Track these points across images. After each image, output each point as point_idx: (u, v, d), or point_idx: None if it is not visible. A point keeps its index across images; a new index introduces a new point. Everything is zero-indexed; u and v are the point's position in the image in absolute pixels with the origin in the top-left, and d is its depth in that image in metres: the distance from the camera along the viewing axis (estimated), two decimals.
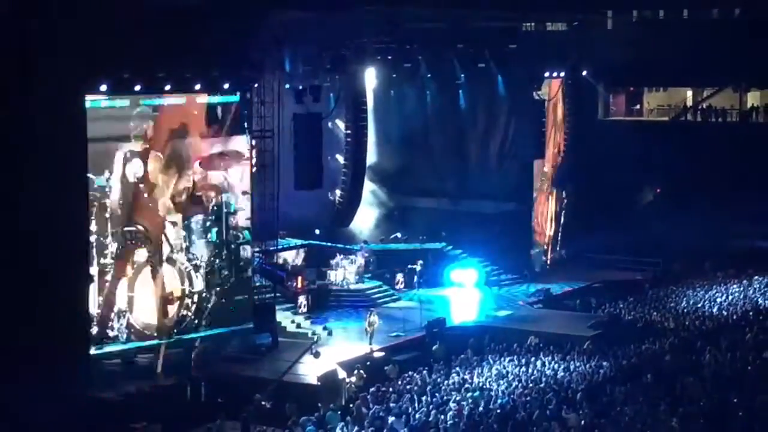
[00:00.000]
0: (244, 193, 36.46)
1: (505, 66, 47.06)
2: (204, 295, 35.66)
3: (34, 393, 28.71)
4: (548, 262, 50.86)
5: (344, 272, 43.77)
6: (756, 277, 44.32)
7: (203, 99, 35.39)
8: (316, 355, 34.37)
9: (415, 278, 45.11)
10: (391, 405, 28.59)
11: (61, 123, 30.07)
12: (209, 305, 35.68)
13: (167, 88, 33.98)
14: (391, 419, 27.04)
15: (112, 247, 33.70)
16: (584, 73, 51.37)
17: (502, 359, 33.87)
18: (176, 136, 34.75)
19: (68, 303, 31.05)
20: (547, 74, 49.51)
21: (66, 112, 30.43)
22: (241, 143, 36.38)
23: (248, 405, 30.50)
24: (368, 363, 34.63)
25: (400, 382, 31.62)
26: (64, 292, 30.79)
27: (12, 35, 29.10)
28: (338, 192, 42.01)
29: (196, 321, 35.44)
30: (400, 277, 45.50)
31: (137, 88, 33.19)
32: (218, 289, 35.81)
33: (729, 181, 49.51)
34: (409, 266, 45.55)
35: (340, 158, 42.91)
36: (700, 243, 49.39)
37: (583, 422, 26.59)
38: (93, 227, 32.92)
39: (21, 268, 29.51)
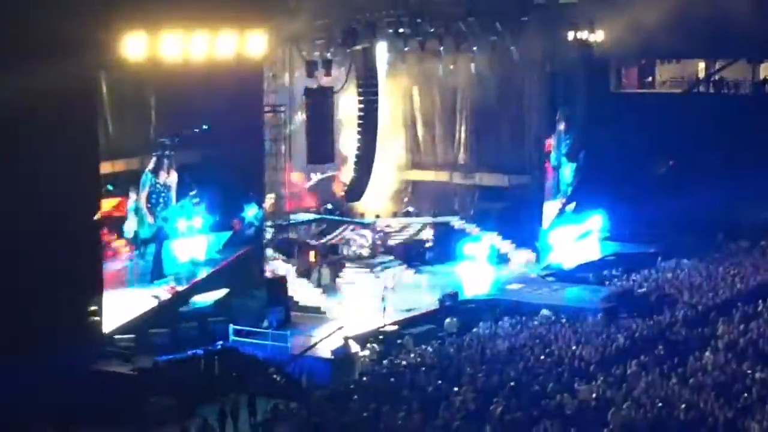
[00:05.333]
0: None
1: (517, 39, 46.84)
2: None
3: (49, 367, 28.91)
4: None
5: (356, 246, 43.82)
6: None
7: None
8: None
9: (427, 253, 45.22)
10: (405, 378, 28.71)
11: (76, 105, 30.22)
12: None
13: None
14: (404, 392, 27.15)
15: None
16: (596, 45, 51.12)
17: (515, 332, 33.93)
18: None
19: (80, 276, 31.35)
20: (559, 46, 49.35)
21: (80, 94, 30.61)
22: None
23: (258, 380, 30.66)
24: (381, 337, 34.70)
25: (413, 355, 31.74)
26: (76, 266, 31.03)
27: None
28: (351, 167, 41.98)
29: None
30: (412, 250, 45.58)
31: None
32: None
33: (742, 153, 49.36)
34: (421, 241, 45.73)
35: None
36: (713, 215, 49.31)
37: (595, 394, 26.66)
38: None
39: (35, 232, 29.69)
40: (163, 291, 35.28)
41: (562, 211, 50.55)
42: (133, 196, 35.22)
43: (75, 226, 30.88)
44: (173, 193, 36.21)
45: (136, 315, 33.64)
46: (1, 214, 28.87)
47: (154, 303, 34.57)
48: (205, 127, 35.91)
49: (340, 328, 35.05)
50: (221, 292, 36.10)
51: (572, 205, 51.13)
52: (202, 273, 36.53)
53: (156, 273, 35.73)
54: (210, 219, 36.90)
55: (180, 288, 35.72)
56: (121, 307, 33.22)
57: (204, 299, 35.87)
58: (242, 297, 36.53)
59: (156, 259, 35.86)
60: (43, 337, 29.39)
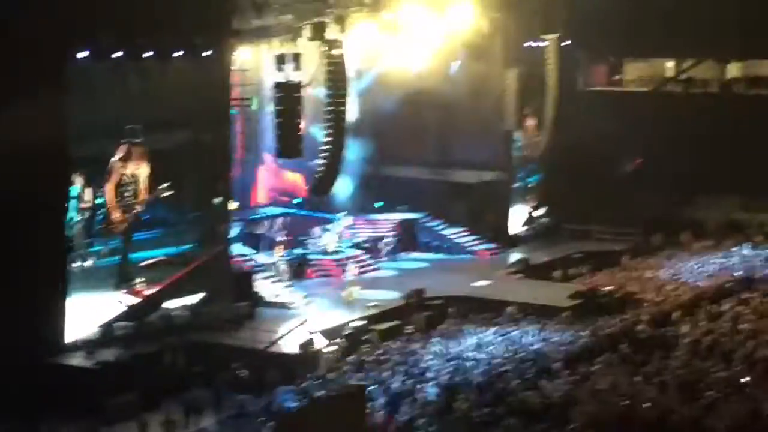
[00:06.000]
0: None
1: (487, 34, 46.83)
2: None
3: (7, 360, 28.64)
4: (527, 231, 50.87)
5: (324, 241, 43.77)
6: (734, 249, 44.44)
7: None
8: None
9: (388, 248, 45.28)
10: (370, 374, 28.69)
11: (43, 93, 29.88)
12: None
13: (148, 55, 33.68)
14: (369, 388, 27.11)
15: None
16: (564, 43, 51.22)
17: (481, 329, 33.95)
18: None
19: (44, 267, 30.97)
20: (528, 43, 49.47)
21: (47, 82, 30.28)
22: None
23: (222, 374, 30.46)
24: (347, 332, 34.64)
25: (378, 352, 31.71)
26: (38, 257, 30.69)
27: None
28: (318, 161, 41.88)
29: None
30: (380, 245, 45.55)
31: (117, 55, 32.88)
32: None
33: (709, 153, 49.54)
34: (386, 236, 45.80)
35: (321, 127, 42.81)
36: (679, 214, 49.57)
37: (560, 392, 26.71)
38: None
39: None
40: (129, 295, 34.07)
41: (530, 215, 50.71)
42: (79, 181, 33.92)
43: (38, 215, 30.47)
44: (143, 186, 34.83)
45: (102, 323, 32.62)
46: None
47: (121, 309, 33.42)
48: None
49: (303, 323, 35.00)
50: (195, 297, 35.14)
51: (541, 210, 51.24)
52: (172, 274, 35.22)
53: (122, 275, 34.44)
54: (177, 214, 36.15)
55: (148, 292, 34.52)
56: (83, 313, 32.24)
57: (176, 304, 34.79)
58: (216, 300, 35.53)
59: (122, 260, 34.62)
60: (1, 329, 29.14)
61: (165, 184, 35.12)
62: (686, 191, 49.70)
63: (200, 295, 35.23)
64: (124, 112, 33.86)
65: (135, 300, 34.05)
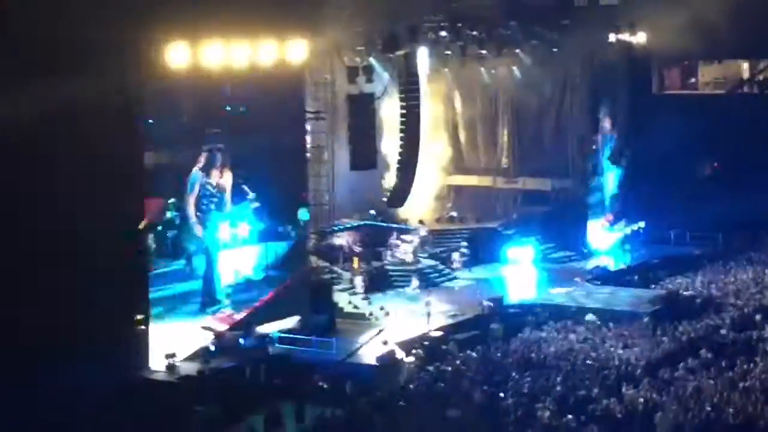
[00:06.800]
0: None
1: (559, 42, 46.70)
2: None
3: (89, 374, 28.88)
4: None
5: (400, 252, 43.80)
6: None
7: None
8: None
9: (464, 258, 45.12)
10: (450, 384, 28.65)
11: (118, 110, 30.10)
12: None
13: None
14: (450, 398, 27.09)
15: None
16: (638, 45, 50.87)
17: (561, 336, 33.77)
18: None
19: (123, 281, 31.06)
20: (601, 46, 49.24)
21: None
22: None
23: (304, 387, 30.49)
24: (426, 343, 34.61)
25: (458, 362, 31.65)
26: (118, 272, 30.81)
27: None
28: (393, 172, 41.95)
29: None
30: (456, 256, 45.44)
31: None
32: None
33: None
34: (461, 246, 45.73)
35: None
36: (757, 217, 48.95)
37: (642, 398, 26.49)
38: None
39: (74, 247, 29.46)
40: (215, 320, 32.81)
41: (608, 222, 50.30)
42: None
43: (117, 236, 30.35)
44: (228, 197, 33.28)
45: (190, 354, 31.64)
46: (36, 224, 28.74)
47: (209, 336, 32.16)
48: (242, 109, 33.23)
49: (380, 331, 35.02)
50: (291, 321, 34.19)
51: (621, 224, 50.75)
52: (262, 296, 34.21)
53: (209, 299, 33.15)
54: (258, 226, 34.56)
55: (237, 316, 33.32)
56: (168, 342, 31.19)
57: (270, 329, 33.56)
58: (302, 318, 34.82)
59: (207, 282, 33.03)
60: (86, 347, 29.39)
61: (252, 195, 34.35)
62: (764, 193, 49.07)
63: (294, 319, 34.50)
64: (194, 124, 33.10)
65: (222, 326, 33.16)
